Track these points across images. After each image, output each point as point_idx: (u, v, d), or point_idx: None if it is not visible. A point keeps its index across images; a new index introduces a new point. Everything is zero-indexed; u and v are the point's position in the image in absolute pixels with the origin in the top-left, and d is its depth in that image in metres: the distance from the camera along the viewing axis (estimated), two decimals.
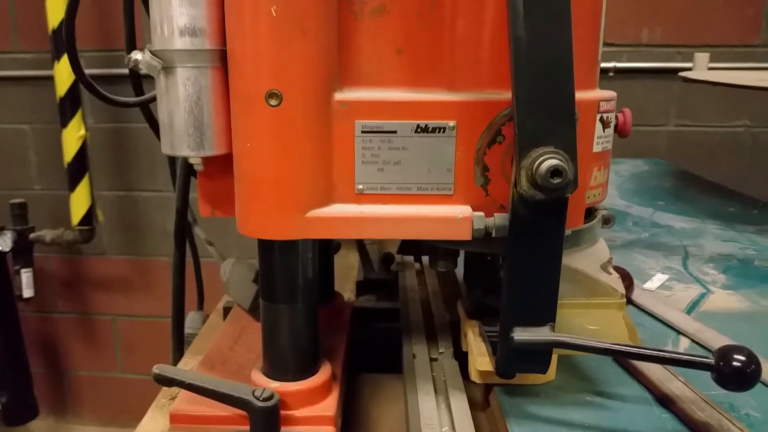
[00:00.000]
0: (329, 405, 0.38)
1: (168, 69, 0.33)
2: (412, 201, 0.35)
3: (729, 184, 1.17)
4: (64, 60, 1.61)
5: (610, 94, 0.38)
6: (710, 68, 1.48)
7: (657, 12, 1.65)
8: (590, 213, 0.40)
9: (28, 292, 1.76)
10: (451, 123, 0.34)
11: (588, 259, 0.38)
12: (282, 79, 0.32)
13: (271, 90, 0.32)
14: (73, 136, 1.63)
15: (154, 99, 0.42)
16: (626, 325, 0.37)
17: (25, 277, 1.75)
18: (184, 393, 0.38)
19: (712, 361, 0.32)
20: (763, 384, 0.40)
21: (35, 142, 1.93)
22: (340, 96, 0.34)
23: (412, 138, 0.34)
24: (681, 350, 0.47)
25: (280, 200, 0.34)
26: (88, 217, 1.70)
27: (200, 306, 0.73)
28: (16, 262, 1.75)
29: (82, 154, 1.66)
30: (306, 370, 0.38)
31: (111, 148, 1.85)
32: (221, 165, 0.36)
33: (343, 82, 0.34)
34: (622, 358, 0.41)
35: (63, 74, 1.61)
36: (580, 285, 0.37)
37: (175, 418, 0.37)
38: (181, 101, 0.33)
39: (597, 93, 0.36)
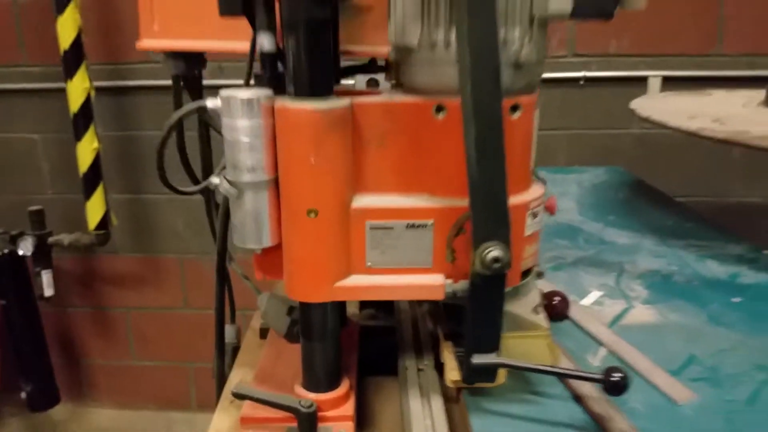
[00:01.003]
0: (349, 407, 0.55)
1: (240, 193, 0.49)
2: (404, 272, 0.52)
3: (686, 183, 1.34)
4: (76, 78, 1.74)
5: (539, 192, 0.55)
6: (673, 76, 1.66)
7: (623, 25, 1.81)
8: (527, 272, 0.57)
9: (48, 291, 1.92)
10: (431, 222, 0.51)
11: (524, 304, 0.55)
12: (318, 200, 0.48)
13: (310, 208, 0.48)
14: (87, 149, 1.78)
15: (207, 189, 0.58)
16: (549, 348, 0.55)
17: (45, 277, 1.90)
18: (248, 402, 0.55)
19: (600, 376, 0.50)
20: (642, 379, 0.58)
21: (45, 150, 2.06)
22: (355, 205, 0.50)
23: (405, 231, 0.51)
24: (599, 359, 0.64)
25: (316, 276, 0.50)
26: (104, 222, 1.85)
27: (233, 320, 0.89)
28: (37, 264, 1.90)
29: (96, 164, 1.80)
30: (333, 385, 0.55)
31: (121, 154, 1.99)
32: (271, 249, 0.52)
33: (356, 189, 0.51)
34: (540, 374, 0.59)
35: (75, 92, 1.74)
36: (517, 323, 0.55)
37: (244, 420, 0.54)
38: (248, 213, 0.50)
39: (528, 195, 0.53)
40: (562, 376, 0.55)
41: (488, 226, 0.48)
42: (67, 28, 1.68)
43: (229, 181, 0.49)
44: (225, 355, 0.80)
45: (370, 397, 0.65)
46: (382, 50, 0.54)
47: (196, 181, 0.79)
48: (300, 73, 0.47)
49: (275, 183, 0.50)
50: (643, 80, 1.76)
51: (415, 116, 0.50)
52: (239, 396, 0.53)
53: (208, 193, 0.77)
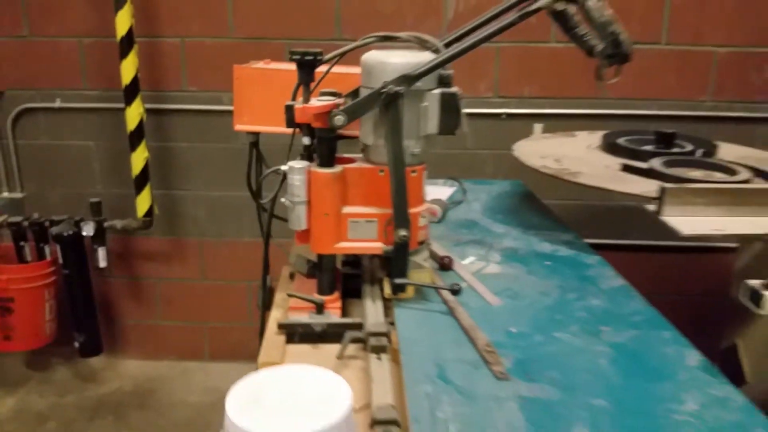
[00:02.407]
0: (338, 304, 1.20)
1: (293, 205, 1.13)
2: (364, 241, 1.17)
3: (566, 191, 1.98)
4: (133, 105, 2.34)
5: (426, 206, 1.19)
6: (567, 114, 2.31)
7: (533, 76, 2.47)
8: (422, 243, 1.22)
9: (102, 263, 2.52)
10: (376, 219, 1.15)
11: (419, 257, 1.20)
12: (328, 209, 1.13)
13: (325, 212, 1.13)
14: (139, 157, 2.39)
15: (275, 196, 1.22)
16: (430, 277, 1.20)
17: (101, 253, 2.51)
18: (291, 300, 1.19)
19: (449, 287, 1.16)
20: (478, 295, 1.24)
21: (98, 154, 2.66)
22: (344, 211, 1.15)
23: (365, 223, 1.16)
24: (462, 286, 1.30)
25: (326, 242, 1.15)
26: (149, 212, 2.47)
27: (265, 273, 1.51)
28: (94, 242, 2.50)
29: (145, 168, 2.41)
30: (331, 292, 1.20)
31: (159, 160, 2.60)
32: (305, 231, 1.16)
33: (344, 204, 1.15)
34: (429, 288, 1.24)
35: (132, 115, 2.35)
36: (416, 265, 1.20)
37: (291, 308, 1.18)
38: (296, 214, 1.14)
39: (420, 207, 1.18)
40: (435, 288, 1.21)
41: (400, 221, 1.13)
42: (128, 68, 2.29)
43: (288, 201, 1.13)
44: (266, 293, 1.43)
45: (347, 304, 1.29)
46: (357, 133, 1.18)
47: (252, 195, 1.41)
48: (321, 157, 1.11)
49: (308, 202, 1.13)
50: (547, 116, 2.44)
51: (371, 173, 1.14)
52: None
53: (260, 201, 1.39)
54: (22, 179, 2.69)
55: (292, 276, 1.37)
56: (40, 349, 2.70)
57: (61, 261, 2.47)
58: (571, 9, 1.11)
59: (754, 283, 0.97)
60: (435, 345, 1.07)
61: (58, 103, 2.56)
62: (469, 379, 0.97)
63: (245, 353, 2.80)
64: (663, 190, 1.22)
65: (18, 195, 2.68)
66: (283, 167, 1.12)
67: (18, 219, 2.52)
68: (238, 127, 1.31)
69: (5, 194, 2.68)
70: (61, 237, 2.43)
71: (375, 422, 0.83)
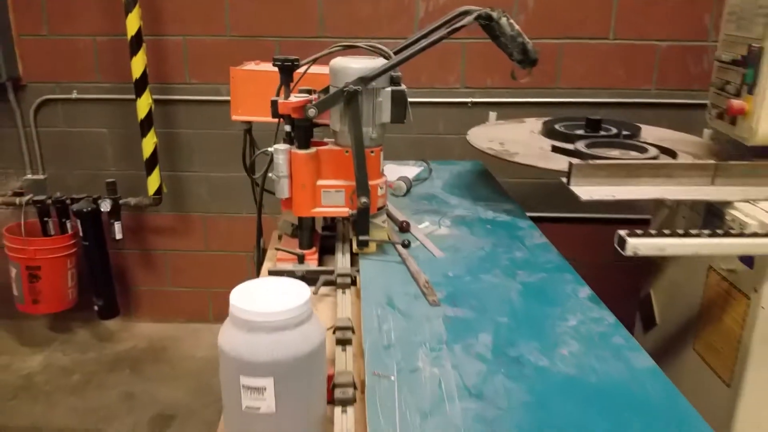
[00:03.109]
0: (316, 256, 1.54)
1: (278, 179, 1.46)
2: (335, 206, 1.50)
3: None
4: (143, 97, 2.66)
5: (384, 179, 1.52)
6: (523, 102, 2.62)
7: (495, 69, 2.78)
8: (381, 209, 1.55)
9: (118, 236, 2.85)
10: (343, 189, 1.49)
11: (378, 220, 1.54)
12: (305, 182, 1.46)
13: (303, 183, 1.46)
14: (149, 143, 2.71)
15: (265, 174, 1.54)
16: (389, 235, 1.54)
17: (117, 226, 2.84)
18: (278, 253, 1.53)
19: (402, 241, 1.49)
20: (427, 249, 1.57)
21: (111, 140, 2.98)
22: (318, 183, 1.48)
23: (335, 192, 1.49)
24: (415, 244, 1.63)
25: (305, 207, 1.48)
26: (159, 190, 2.80)
27: (259, 236, 1.84)
28: (111, 217, 2.84)
29: (154, 152, 2.74)
30: (310, 247, 1.54)
31: (166, 144, 2.92)
32: (288, 199, 1.49)
33: (318, 177, 1.48)
34: (386, 243, 1.58)
35: (142, 105, 2.67)
36: (375, 225, 1.53)
37: (279, 259, 1.52)
38: (280, 185, 1.47)
39: (378, 180, 1.51)
40: (390, 243, 1.54)
41: (361, 191, 1.46)
42: (138, 64, 2.61)
43: (275, 175, 1.46)
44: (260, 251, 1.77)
45: (325, 259, 1.63)
46: (328, 122, 1.51)
47: (246, 172, 1.74)
48: (299, 141, 1.44)
49: (290, 176, 1.46)
50: (508, 104, 2.76)
51: (339, 153, 1.47)
52: (278, 249, 1.50)
53: (253, 177, 1.73)
54: (44, 163, 3.02)
55: (280, 237, 1.70)
56: (63, 313, 3.04)
57: (81, 234, 2.81)
58: (494, 24, 1.43)
59: (622, 232, 1.30)
60: (387, 284, 1.41)
61: (74, 95, 2.88)
62: (409, 306, 1.31)
63: None
64: (570, 166, 1.56)
65: (40, 177, 3.01)
66: (270, 149, 1.45)
67: (42, 197, 2.86)
68: (234, 117, 1.64)
69: (29, 176, 3.01)
70: (82, 213, 2.76)
71: (336, 329, 1.17)
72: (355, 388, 1.01)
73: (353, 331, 1.20)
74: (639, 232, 1.28)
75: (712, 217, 1.57)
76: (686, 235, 1.27)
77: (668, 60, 2.76)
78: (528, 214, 1.87)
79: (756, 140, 1.55)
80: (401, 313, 1.28)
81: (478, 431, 0.93)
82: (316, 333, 0.91)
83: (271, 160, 1.47)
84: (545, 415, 0.98)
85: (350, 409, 0.97)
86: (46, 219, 2.90)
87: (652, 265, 1.98)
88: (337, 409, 0.97)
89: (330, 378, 1.02)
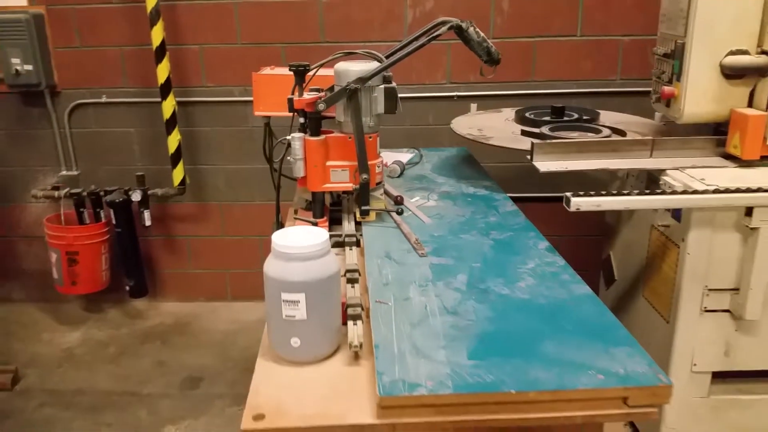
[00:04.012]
0: (326, 223, 1.89)
1: (295, 161, 1.81)
2: (342, 183, 1.85)
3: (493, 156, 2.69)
4: (168, 99, 3.00)
5: (379, 159, 1.88)
6: (501, 95, 2.96)
7: (477, 64, 3.13)
8: (379, 184, 1.90)
9: (148, 222, 3.21)
10: (348, 169, 1.84)
11: (377, 193, 1.89)
12: (317, 163, 1.81)
13: (315, 164, 1.81)
14: (174, 139, 3.06)
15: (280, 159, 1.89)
16: (384, 204, 1.89)
17: (146, 214, 3.19)
18: (296, 220, 1.88)
19: (397, 209, 1.85)
20: (418, 218, 1.92)
21: (137, 138, 3.33)
22: (327, 164, 1.83)
23: (342, 171, 1.84)
24: (407, 212, 1.98)
25: (316, 183, 1.84)
26: (183, 182, 3.16)
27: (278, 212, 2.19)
28: (140, 206, 3.19)
29: (179, 148, 3.10)
30: (321, 217, 1.89)
31: (186, 141, 3.27)
32: (303, 177, 1.84)
33: (327, 159, 1.84)
34: (383, 211, 1.93)
35: (167, 107, 3.02)
36: (374, 198, 1.88)
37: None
38: (297, 166, 1.82)
39: (376, 160, 1.86)
40: (386, 211, 1.90)
41: (362, 169, 1.81)
42: (162, 71, 2.96)
43: (293, 158, 1.81)
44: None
45: (332, 228, 1.98)
46: (334, 114, 1.86)
47: (266, 159, 2.10)
48: (311, 130, 1.80)
49: (304, 158, 1.82)
50: (488, 96, 3.11)
51: (344, 139, 1.82)
52: (296, 218, 1.85)
53: (272, 164, 2.08)
54: (77, 160, 3.37)
55: (296, 212, 2.06)
56: (96, 294, 3.40)
57: (114, 222, 3.16)
58: (465, 32, 1.78)
59: (568, 194, 1.65)
60: (385, 242, 1.77)
61: (104, 99, 3.23)
62: (403, 257, 1.67)
63: (259, 292, 3.51)
64: (532, 145, 1.91)
65: (74, 172, 3.36)
66: (288, 138, 1.80)
67: (78, 190, 3.21)
68: (256, 113, 2.00)
69: (64, 172, 3.37)
70: (114, 203, 3.11)
71: (347, 271, 1.53)
72: (362, 309, 1.37)
73: (359, 274, 1.55)
74: (581, 193, 1.63)
75: (651, 184, 1.92)
76: (617, 194, 1.62)
77: (630, 53, 3.11)
78: (510, 195, 2.22)
79: (684, 119, 1.90)
80: (396, 262, 1.64)
81: (452, 334, 1.29)
82: (334, 264, 1.26)
83: (288, 147, 1.82)
84: (503, 324, 1.33)
85: (359, 323, 1.32)
86: (81, 210, 3.25)
87: (611, 231, 2.34)
88: (350, 323, 1.32)
89: (343, 304, 1.37)
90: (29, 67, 3.09)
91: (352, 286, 1.48)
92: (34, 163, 3.40)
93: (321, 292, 1.23)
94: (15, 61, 3.08)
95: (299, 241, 1.23)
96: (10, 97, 3.27)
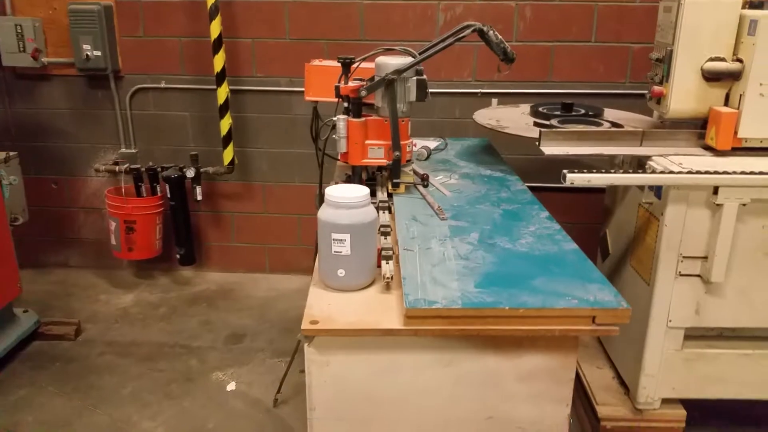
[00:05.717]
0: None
1: (339, 139, 2.16)
2: (378, 159, 2.20)
3: (513, 146, 3.01)
4: (222, 87, 3.38)
5: (410, 140, 2.22)
6: (521, 92, 3.28)
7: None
8: (409, 161, 2.25)
9: (199, 197, 3.59)
10: (383, 147, 2.18)
11: (407, 168, 2.23)
12: (358, 141, 2.16)
13: (356, 141, 2.16)
14: (226, 123, 3.44)
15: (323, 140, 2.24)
16: (412, 178, 2.24)
17: (198, 190, 3.57)
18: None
19: (422, 176, 2.19)
20: (440, 192, 2.26)
21: (191, 122, 3.72)
22: (366, 142, 2.18)
23: (378, 149, 2.19)
24: (432, 188, 2.32)
25: (356, 157, 2.19)
26: (231, 162, 3.54)
27: (320, 183, 2.55)
28: (193, 182, 3.58)
29: (229, 131, 3.48)
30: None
31: (235, 125, 3.65)
32: (345, 153, 2.19)
33: (366, 138, 2.18)
34: (411, 184, 2.27)
35: (221, 93, 3.39)
36: (404, 172, 2.23)
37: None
38: (341, 143, 2.17)
39: (407, 142, 2.20)
40: (413, 184, 2.24)
41: (395, 147, 2.15)
42: (219, 61, 3.34)
43: (337, 136, 2.17)
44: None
45: None
46: (373, 101, 2.20)
47: (313, 139, 2.45)
48: (354, 113, 2.15)
49: (347, 137, 2.16)
50: (510, 94, 3.44)
51: (380, 122, 2.17)
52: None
53: (317, 142, 2.43)
54: (136, 139, 3.77)
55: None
56: (148, 261, 3.80)
57: (168, 195, 3.55)
58: (485, 35, 2.12)
59: (565, 171, 1.98)
60: (412, 209, 2.11)
61: (163, 85, 3.63)
62: (427, 219, 2.01)
63: (295, 266, 3.89)
64: (540, 132, 2.24)
65: (133, 150, 3.77)
66: (333, 118, 2.16)
67: (137, 166, 3.61)
68: (307, 98, 2.36)
69: (123, 150, 3.77)
70: (170, 178, 3.51)
71: (381, 226, 1.87)
72: (393, 253, 1.72)
73: (391, 229, 1.90)
74: (576, 171, 1.96)
75: (639, 169, 2.24)
76: (605, 172, 1.94)
77: (639, 58, 3.41)
78: (527, 184, 2.54)
79: (669, 115, 2.21)
80: (421, 223, 1.98)
81: (463, 272, 1.63)
82: (372, 213, 1.62)
83: (333, 127, 2.18)
84: (504, 267, 1.67)
85: (390, 262, 1.67)
86: (139, 184, 3.65)
87: (608, 211, 2.65)
88: (383, 262, 1.67)
89: (379, 250, 1.72)
90: (98, 53, 3.49)
91: (385, 238, 1.83)
92: (96, 140, 3.81)
93: (362, 234, 1.59)
94: (86, 47, 3.48)
95: (347, 194, 1.58)
96: (78, 79, 3.68)
